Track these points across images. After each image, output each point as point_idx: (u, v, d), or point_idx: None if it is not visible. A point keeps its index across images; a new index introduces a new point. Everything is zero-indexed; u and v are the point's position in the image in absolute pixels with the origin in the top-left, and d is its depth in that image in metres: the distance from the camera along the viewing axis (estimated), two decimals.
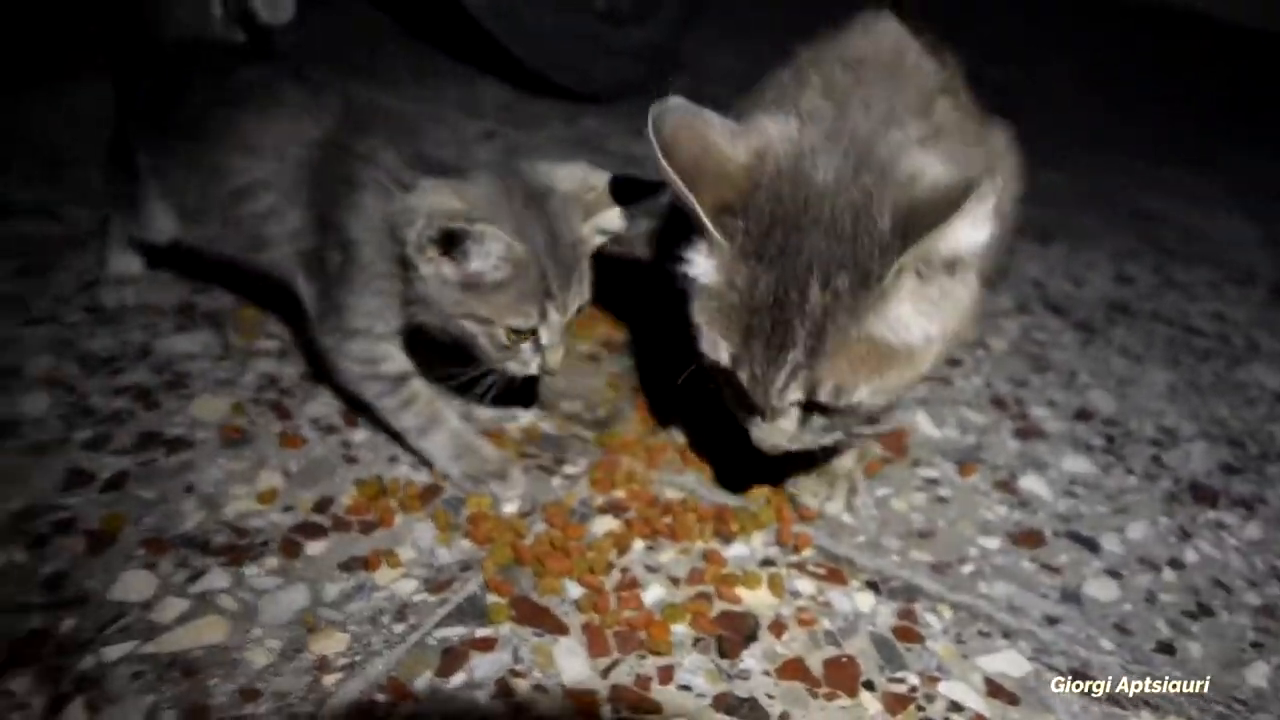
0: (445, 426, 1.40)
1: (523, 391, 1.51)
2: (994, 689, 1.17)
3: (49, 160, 2.28)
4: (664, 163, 1.07)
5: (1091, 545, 1.43)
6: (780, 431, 1.16)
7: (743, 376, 1.12)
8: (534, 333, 1.29)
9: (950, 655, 1.21)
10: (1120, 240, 2.48)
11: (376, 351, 1.38)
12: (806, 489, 1.41)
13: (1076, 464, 1.60)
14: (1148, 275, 2.33)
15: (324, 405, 1.52)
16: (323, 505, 1.34)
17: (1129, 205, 2.71)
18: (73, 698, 1.04)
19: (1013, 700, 1.16)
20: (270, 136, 1.40)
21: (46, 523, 1.26)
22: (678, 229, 1.20)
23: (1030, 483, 1.54)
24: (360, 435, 1.47)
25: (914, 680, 1.17)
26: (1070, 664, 1.22)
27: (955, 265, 1.07)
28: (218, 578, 1.21)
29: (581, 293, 1.32)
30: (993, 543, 1.40)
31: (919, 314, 1.07)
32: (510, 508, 1.37)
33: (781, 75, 1.33)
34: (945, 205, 0.98)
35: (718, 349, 1.13)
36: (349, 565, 1.24)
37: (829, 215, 1.05)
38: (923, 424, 1.64)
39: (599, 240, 1.35)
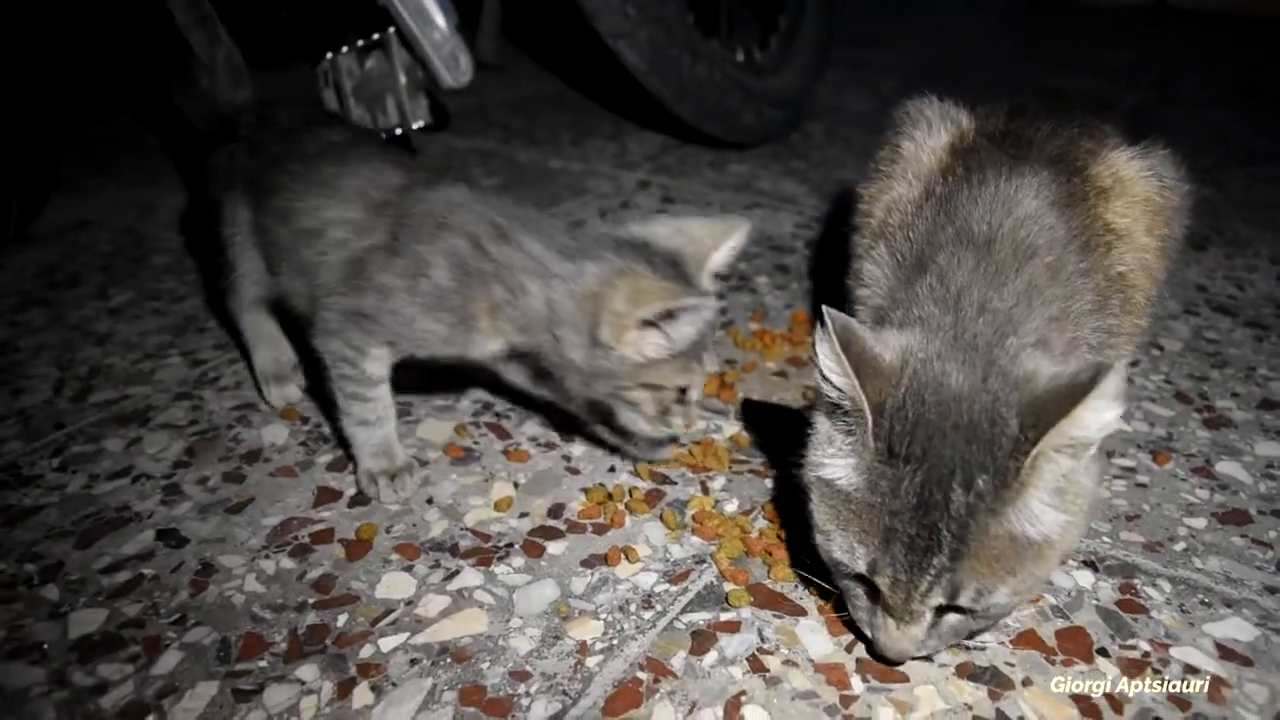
0: (379, 429, 1.46)
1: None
2: (1225, 652, 1.19)
3: None
4: (841, 354, 1.05)
5: None
6: (910, 639, 1.10)
7: (883, 582, 1.07)
8: (684, 391, 1.37)
9: (1176, 624, 1.24)
10: (1278, 245, 2.47)
11: (371, 349, 1.41)
12: None
13: (1271, 449, 1.61)
14: None
15: (540, 425, 1.62)
16: (555, 511, 1.43)
17: None
18: (358, 682, 1.14)
19: (1246, 662, 1.18)
20: (350, 180, 1.45)
21: (305, 533, 1.38)
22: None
23: (1227, 467, 1.56)
24: (579, 449, 1.56)
25: (1145, 647, 1.20)
26: None
27: (1085, 448, 1.03)
28: (471, 576, 1.30)
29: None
30: (1199, 522, 1.43)
31: (1053, 504, 1.03)
32: (392, 507, 1.46)
33: (921, 243, 1.31)
34: (1071, 393, 0.98)
35: (854, 555, 1.09)
36: (590, 562, 1.33)
37: (966, 419, 1.04)
38: None
39: (714, 288, 1.41)
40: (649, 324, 1.27)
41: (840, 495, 1.10)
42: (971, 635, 1.16)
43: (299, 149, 1.52)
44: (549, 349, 1.36)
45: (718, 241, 1.37)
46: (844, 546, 1.10)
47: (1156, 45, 5.08)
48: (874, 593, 1.11)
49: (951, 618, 1.10)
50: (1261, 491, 1.50)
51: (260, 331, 1.73)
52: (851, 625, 1.19)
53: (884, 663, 1.16)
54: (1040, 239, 1.24)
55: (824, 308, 1.06)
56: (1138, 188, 1.35)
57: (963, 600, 1.05)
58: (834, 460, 1.11)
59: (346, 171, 1.46)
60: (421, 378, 1.74)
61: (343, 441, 1.51)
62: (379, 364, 1.43)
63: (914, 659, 1.16)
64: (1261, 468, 1.56)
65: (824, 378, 1.08)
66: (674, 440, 1.41)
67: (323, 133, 1.56)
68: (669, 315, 1.26)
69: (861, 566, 1.08)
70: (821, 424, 1.15)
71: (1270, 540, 1.40)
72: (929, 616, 1.09)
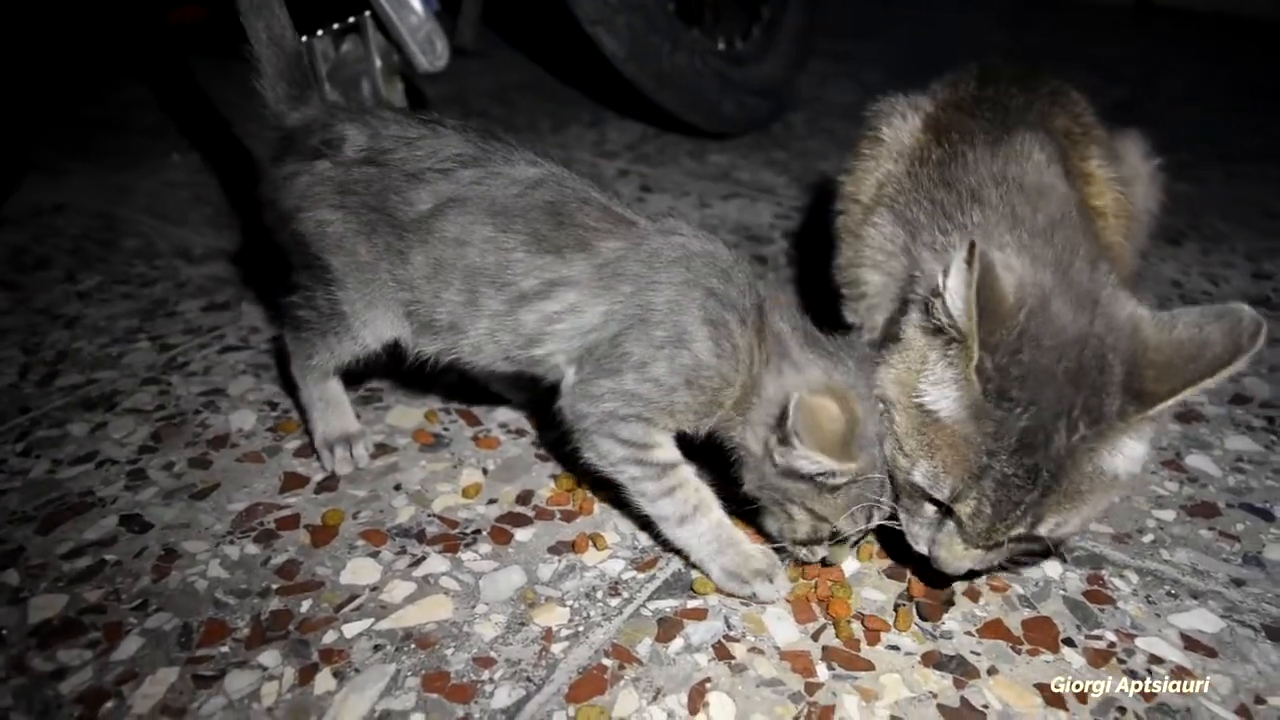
0: (708, 517, 1.25)
1: None
2: (1190, 643, 1.20)
3: (221, 208, 2.45)
4: (972, 295, 1.05)
5: (1266, 515, 1.44)
6: (974, 559, 1.14)
7: (965, 511, 1.10)
8: (837, 535, 1.22)
9: (1142, 614, 1.24)
10: (1255, 240, 2.47)
11: (650, 437, 1.23)
12: None
13: (1240, 443, 1.61)
14: None
15: (511, 412, 1.61)
16: (524, 498, 1.42)
17: (1260, 208, 2.69)
18: (320, 668, 1.13)
19: (1211, 653, 1.18)
20: (571, 236, 1.24)
21: (271, 519, 1.36)
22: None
23: (1197, 461, 1.56)
24: (550, 436, 1.55)
25: (1111, 637, 1.20)
26: (1263, 620, 1.24)
27: None
28: (437, 563, 1.29)
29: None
30: (1168, 515, 1.43)
31: (1139, 440, 1.09)
32: (359, 493, 1.42)
33: (939, 193, 1.32)
34: (1228, 353, 1.04)
35: (938, 482, 1.11)
36: (557, 549, 1.32)
37: (1076, 364, 1.06)
38: None
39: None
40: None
41: (934, 423, 1.12)
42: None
43: (489, 192, 1.26)
44: (738, 427, 1.22)
45: None
46: (928, 472, 1.12)
47: (1140, 43, 5.09)
48: (945, 513, 1.14)
49: (1014, 543, 1.14)
50: (1230, 485, 1.50)
51: (332, 399, 1.51)
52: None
53: (938, 574, 1.20)
54: (1059, 187, 1.28)
55: (974, 242, 1.05)
56: (1108, 192, 1.41)
57: (1040, 531, 1.10)
58: (934, 389, 1.12)
59: (564, 223, 1.24)
60: (390, 364, 1.73)
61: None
62: (664, 450, 1.25)
63: (883, 652, 1.17)
64: (1231, 462, 1.56)
65: (944, 307, 1.09)
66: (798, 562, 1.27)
67: (505, 170, 1.28)
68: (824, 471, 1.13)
69: (945, 494, 1.11)
70: (916, 342, 1.17)
71: (1238, 533, 1.40)
72: (1001, 544, 1.13)
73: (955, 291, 1.07)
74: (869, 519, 1.19)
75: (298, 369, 1.48)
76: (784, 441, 1.12)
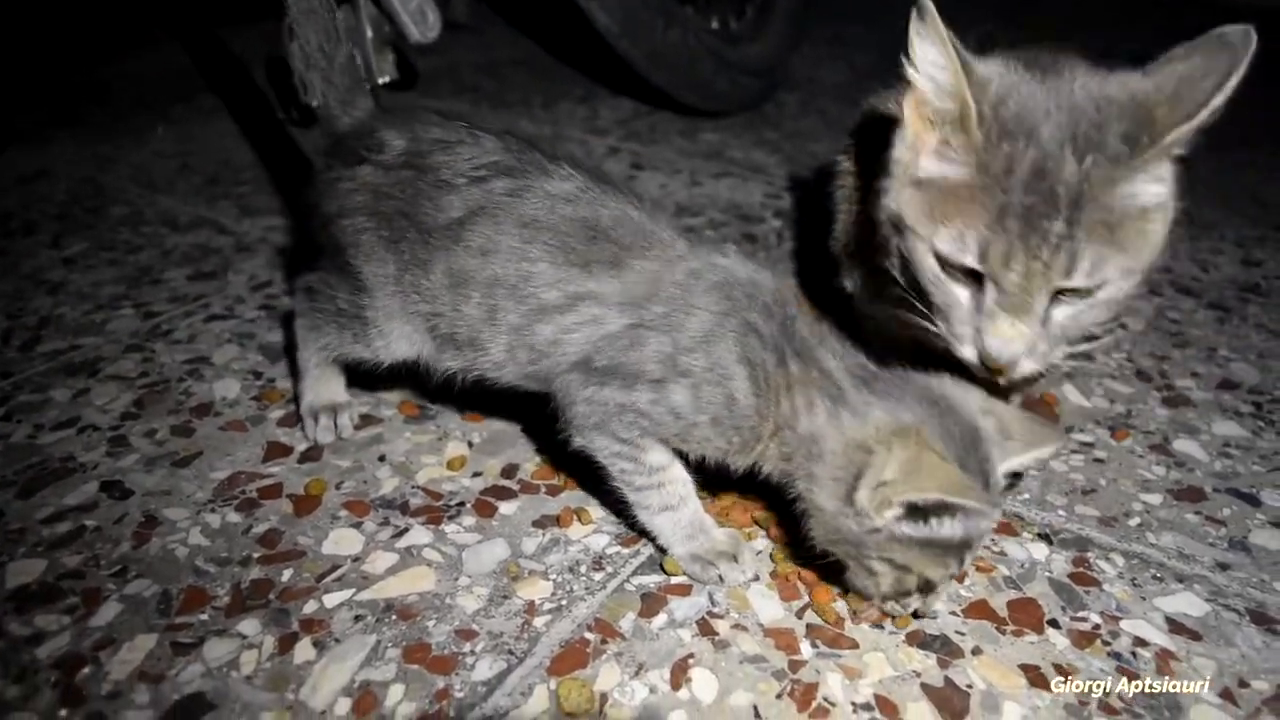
0: (688, 507, 1.23)
1: None
2: (1175, 626, 1.19)
3: (210, 178, 2.43)
4: (948, 43, 1.08)
5: (1252, 500, 1.44)
6: (1022, 336, 1.11)
7: (996, 259, 1.08)
8: (931, 583, 1.10)
9: (1128, 597, 1.23)
10: (1245, 228, 2.47)
11: (645, 441, 1.18)
12: None
13: (1227, 428, 1.61)
14: (1275, 258, 2.31)
15: None
16: (509, 471, 1.41)
17: (1250, 194, 2.70)
18: (300, 638, 1.12)
19: (1195, 636, 1.18)
20: (603, 251, 1.17)
21: (253, 488, 1.35)
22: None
23: (1184, 445, 1.56)
24: (536, 411, 1.53)
25: (1096, 619, 1.19)
26: (1247, 605, 1.24)
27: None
28: (420, 534, 1.28)
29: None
30: (1155, 498, 1.42)
31: (1156, 178, 1.10)
32: (343, 463, 1.42)
33: None
34: (1220, 79, 1.05)
35: (963, 243, 1.10)
36: (542, 523, 1.31)
37: (1068, 103, 1.09)
38: (1071, 394, 1.67)
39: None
40: (915, 508, 1.03)
41: (941, 191, 1.13)
42: (1074, 345, 1.20)
43: (518, 205, 1.20)
44: (801, 479, 1.12)
45: (1030, 445, 1.14)
46: (951, 237, 1.11)
47: (1137, 31, 5.08)
48: (979, 295, 1.13)
49: (1061, 313, 1.13)
50: (1217, 470, 1.50)
51: (327, 372, 1.49)
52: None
53: (993, 373, 1.16)
54: None
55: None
56: None
57: (1078, 275, 1.08)
58: (935, 160, 1.14)
59: (601, 230, 1.18)
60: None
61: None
62: (658, 454, 1.20)
63: (867, 631, 1.15)
64: (1218, 446, 1.56)
65: (921, 72, 1.11)
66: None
67: (545, 185, 1.22)
68: (944, 509, 1.03)
69: (973, 252, 1.10)
70: (905, 137, 1.18)
71: (1223, 518, 1.39)
72: (1044, 303, 1.11)
73: (930, 45, 1.09)
74: (961, 562, 1.09)
75: (302, 333, 1.46)
76: (860, 502, 1.04)
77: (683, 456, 1.21)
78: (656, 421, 1.14)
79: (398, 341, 1.33)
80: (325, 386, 1.48)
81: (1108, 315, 1.18)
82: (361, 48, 2.32)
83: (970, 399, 1.13)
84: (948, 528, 1.04)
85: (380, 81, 2.34)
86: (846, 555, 1.12)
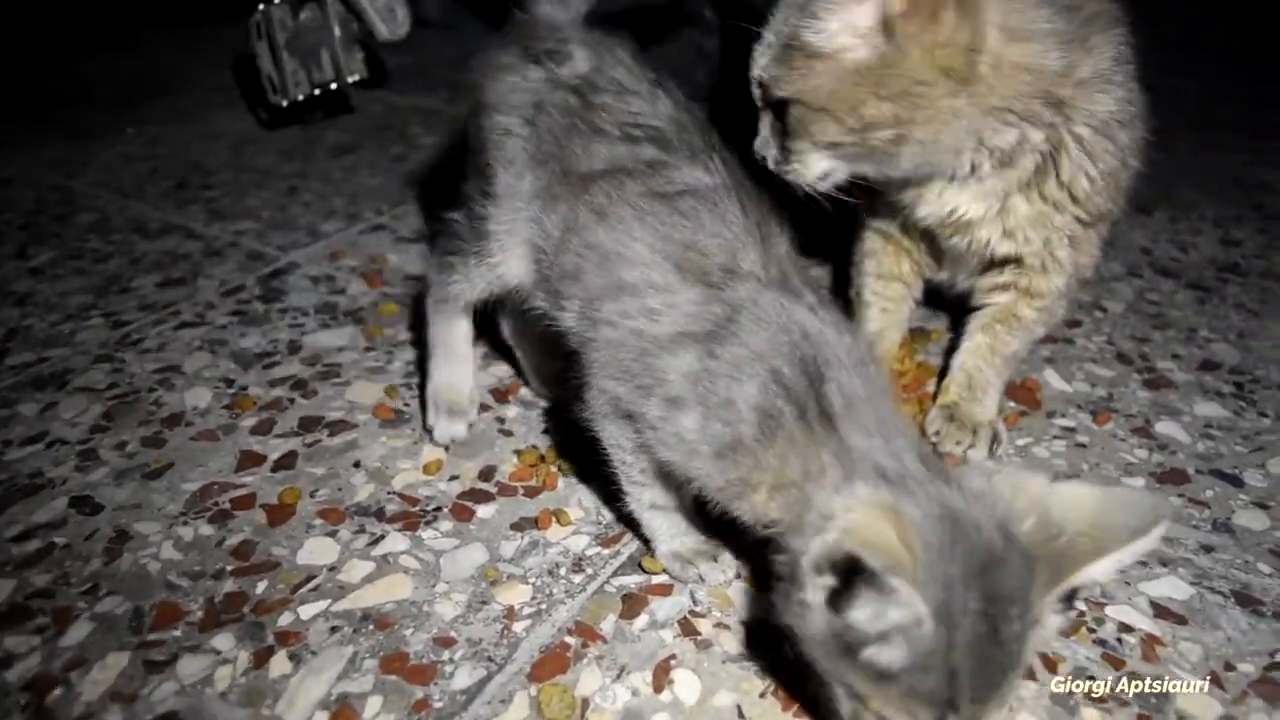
0: (679, 510, 1.21)
1: None
2: (1160, 611, 1.18)
3: (179, 182, 2.40)
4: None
5: (1235, 481, 1.43)
6: None
7: None
8: None
9: (1112, 583, 1.22)
10: (1223, 208, 2.46)
11: (642, 459, 1.15)
12: (950, 437, 1.44)
13: (1209, 409, 1.60)
14: (1254, 238, 2.31)
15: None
16: (486, 474, 1.39)
17: (1229, 175, 2.69)
18: (275, 651, 1.10)
19: (1181, 620, 1.17)
20: (698, 251, 1.10)
21: (226, 499, 1.33)
22: None
23: (1166, 427, 1.55)
24: (513, 411, 1.52)
25: (1081, 606, 1.18)
26: (1232, 587, 1.23)
27: None
28: (396, 541, 1.26)
29: (1002, 703, 0.87)
30: (1138, 482, 1.42)
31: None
32: (317, 471, 1.39)
33: None
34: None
35: None
36: (520, 525, 1.29)
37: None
38: (1052, 379, 1.66)
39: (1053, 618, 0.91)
40: (832, 575, 0.88)
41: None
42: None
43: (651, 178, 1.15)
44: (794, 559, 0.94)
45: (1102, 546, 0.87)
46: None
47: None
48: None
49: None
50: (1199, 451, 1.49)
51: (456, 347, 1.44)
52: None
53: None
54: None
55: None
56: None
57: None
58: None
59: (700, 237, 1.10)
60: (350, 338, 1.70)
61: None
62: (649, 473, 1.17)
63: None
64: (1200, 428, 1.55)
65: None
66: None
67: (685, 170, 1.15)
68: (849, 574, 0.85)
69: None
70: None
71: (1207, 499, 1.39)
72: None
73: None
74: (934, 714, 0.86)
75: (432, 303, 1.43)
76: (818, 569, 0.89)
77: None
78: (661, 439, 1.07)
79: (516, 261, 1.28)
80: (451, 371, 1.45)
81: None
82: (329, 45, 2.30)
83: (1018, 501, 0.90)
84: (867, 620, 0.84)
85: (349, 80, 2.32)
86: (820, 673, 0.94)
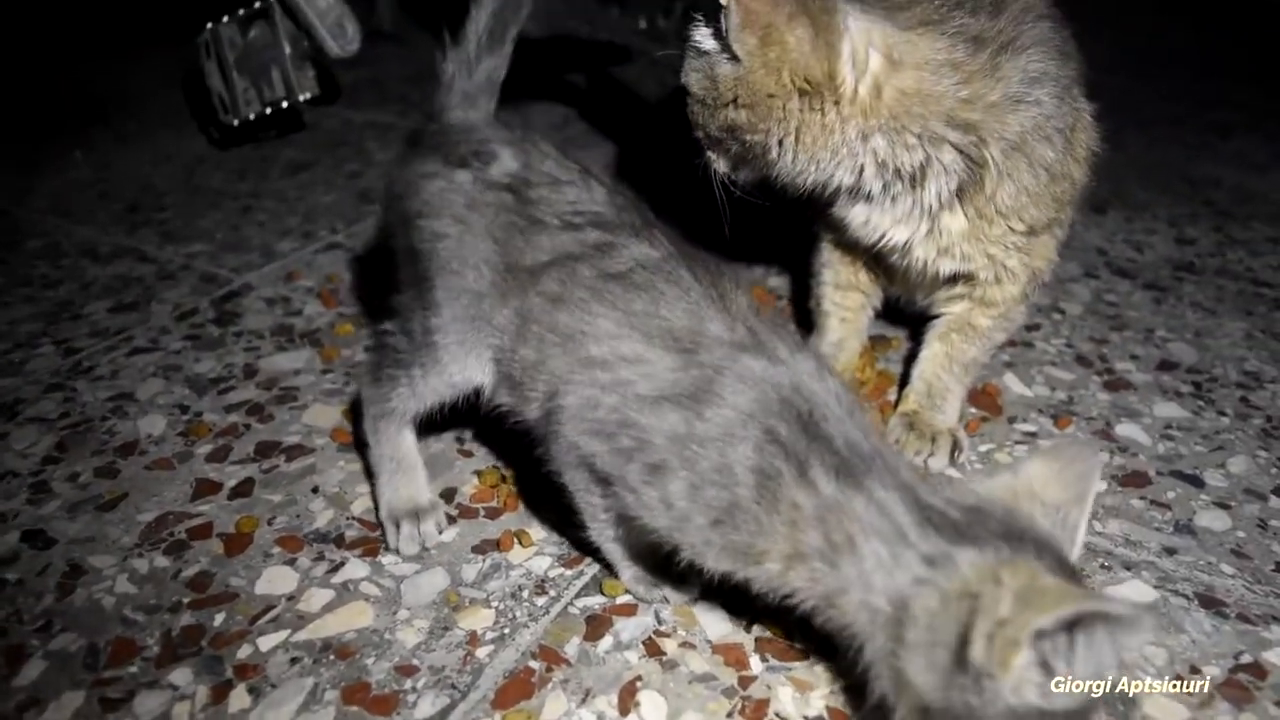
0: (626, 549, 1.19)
1: None
2: None
3: (130, 204, 2.37)
4: None
5: (1196, 481, 1.44)
6: None
7: None
8: None
9: None
10: (1176, 206, 2.49)
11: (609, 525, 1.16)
12: (910, 445, 1.44)
13: (1168, 410, 1.61)
14: (1208, 236, 2.34)
15: None
16: (447, 496, 1.38)
17: (1180, 173, 2.71)
18: (234, 685, 1.08)
19: None
20: (663, 321, 1.08)
21: (182, 529, 1.31)
22: None
23: (1127, 429, 1.55)
24: (471, 430, 1.50)
25: None
26: (1195, 589, 1.23)
27: None
28: (356, 568, 1.25)
29: None
30: (1100, 485, 1.42)
31: None
32: (274, 498, 1.37)
33: None
34: None
35: None
36: (481, 548, 1.28)
37: None
38: (1012, 384, 1.66)
39: None
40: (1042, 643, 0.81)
41: None
42: None
43: (600, 260, 1.13)
44: (878, 651, 0.91)
45: (1077, 495, 0.97)
46: None
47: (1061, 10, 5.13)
48: None
49: None
50: (1160, 453, 1.50)
51: (405, 459, 1.35)
52: None
53: None
54: None
55: None
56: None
57: None
58: None
59: (661, 308, 1.08)
60: (307, 361, 1.68)
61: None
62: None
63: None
64: (1160, 429, 1.56)
65: None
66: None
67: (631, 247, 1.14)
68: (1075, 625, 0.79)
69: None
70: None
71: (1168, 500, 1.39)
72: None
73: None
74: None
75: (371, 421, 1.33)
76: (977, 658, 0.83)
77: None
78: (644, 504, 1.02)
79: (473, 364, 1.24)
80: (404, 482, 1.33)
81: None
82: (280, 64, 2.28)
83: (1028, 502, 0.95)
84: (1089, 660, 0.81)
85: (301, 99, 2.30)
86: None
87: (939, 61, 1.20)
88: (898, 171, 1.27)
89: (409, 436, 1.35)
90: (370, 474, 1.36)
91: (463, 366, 1.23)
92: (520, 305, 1.16)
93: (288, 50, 2.25)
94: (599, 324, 1.09)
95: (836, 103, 1.21)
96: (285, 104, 2.32)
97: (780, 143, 1.26)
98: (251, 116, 2.38)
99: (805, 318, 1.70)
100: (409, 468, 1.34)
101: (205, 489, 1.39)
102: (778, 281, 1.96)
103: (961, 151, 1.24)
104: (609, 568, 1.22)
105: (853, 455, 0.95)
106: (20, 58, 3.47)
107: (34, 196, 2.45)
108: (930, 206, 1.30)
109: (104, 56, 3.57)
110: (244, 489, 1.39)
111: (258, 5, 2.27)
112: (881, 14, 1.20)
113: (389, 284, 1.35)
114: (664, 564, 1.15)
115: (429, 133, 1.35)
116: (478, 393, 1.26)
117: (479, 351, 1.22)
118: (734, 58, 1.22)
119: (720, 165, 1.37)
